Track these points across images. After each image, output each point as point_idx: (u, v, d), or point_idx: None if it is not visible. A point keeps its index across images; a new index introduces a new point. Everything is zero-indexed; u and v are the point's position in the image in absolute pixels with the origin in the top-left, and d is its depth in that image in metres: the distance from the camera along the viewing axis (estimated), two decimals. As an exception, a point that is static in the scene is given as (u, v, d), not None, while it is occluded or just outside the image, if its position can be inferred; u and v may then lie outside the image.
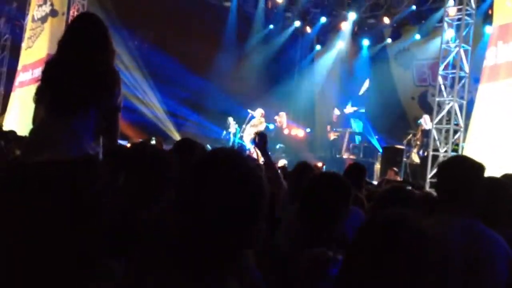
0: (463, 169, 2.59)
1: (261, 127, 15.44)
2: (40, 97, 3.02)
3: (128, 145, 7.76)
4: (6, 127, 12.41)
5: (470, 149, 9.16)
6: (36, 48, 14.73)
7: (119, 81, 3.07)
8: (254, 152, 13.57)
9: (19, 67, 15.30)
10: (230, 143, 16.10)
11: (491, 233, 2.44)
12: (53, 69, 3.05)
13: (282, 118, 16.36)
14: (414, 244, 1.30)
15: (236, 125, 16.22)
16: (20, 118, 13.35)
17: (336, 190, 2.55)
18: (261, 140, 4.06)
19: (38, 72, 13.94)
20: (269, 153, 4.38)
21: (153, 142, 10.63)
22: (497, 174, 3.20)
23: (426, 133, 12.51)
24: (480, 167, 2.61)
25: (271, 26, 18.85)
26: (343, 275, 1.41)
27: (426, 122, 12.81)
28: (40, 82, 3.06)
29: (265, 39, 18.95)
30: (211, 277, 1.23)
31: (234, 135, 16.20)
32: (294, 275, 2.25)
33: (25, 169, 2.80)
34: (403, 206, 2.46)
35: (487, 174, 2.67)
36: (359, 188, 4.49)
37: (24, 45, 15.45)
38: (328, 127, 17.72)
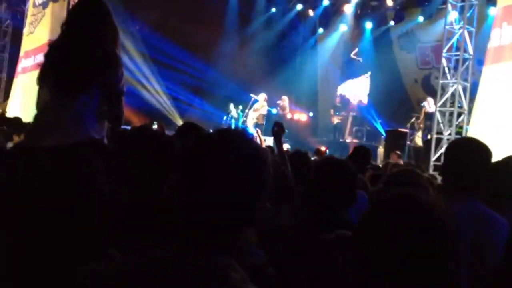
0: (469, 152, 2.58)
1: (263, 111, 15.40)
2: (43, 81, 3.02)
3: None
4: (9, 114, 12.42)
5: (475, 132, 9.13)
6: (38, 33, 14.68)
7: (120, 65, 3.07)
8: (257, 137, 13.56)
9: (21, 53, 15.27)
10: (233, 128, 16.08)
11: (495, 216, 2.43)
12: (55, 52, 3.05)
13: (284, 102, 16.31)
14: (424, 229, 1.25)
15: (239, 110, 16.18)
16: (23, 104, 13.34)
17: (341, 176, 2.55)
18: (279, 129, 4.05)
19: (40, 57, 13.89)
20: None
21: (155, 126, 10.60)
22: (502, 156, 3.18)
23: (429, 116, 12.46)
24: (486, 150, 2.59)
25: (273, 10, 18.74)
26: (351, 265, 1.37)
27: (429, 105, 12.77)
28: (43, 65, 3.06)
29: (267, 22, 18.85)
30: (216, 254, 1.23)
31: (237, 120, 16.17)
32: (305, 260, 2.25)
33: (28, 155, 2.80)
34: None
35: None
36: (362, 171, 4.49)
37: (25, 31, 15.40)
38: (331, 111, 17.67)
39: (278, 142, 4.06)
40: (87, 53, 2.96)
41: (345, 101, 18.52)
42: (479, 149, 2.60)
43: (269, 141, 14.22)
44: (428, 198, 1.33)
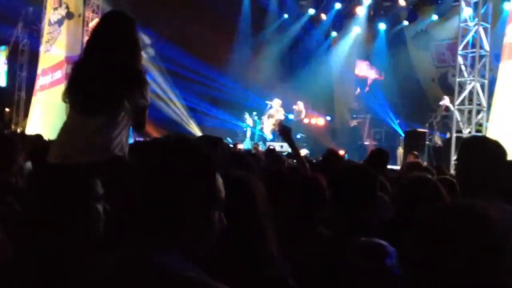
0: (483, 150, 2.53)
1: (279, 117, 15.40)
2: (69, 97, 3.06)
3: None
4: (28, 131, 12.59)
5: (494, 129, 9.03)
6: (54, 51, 14.89)
7: (147, 83, 3.11)
8: (274, 145, 13.57)
9: (39, 71, 15.48)
10: (249, 136, 16.13)
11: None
12: (80, 71, 3.09)
13: (300, 107, 16.30)
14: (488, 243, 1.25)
15: (256, 117, 16.22)
16: (42, 121, 13.51)
17: (363, 183, 2.60)
18: (283, 132, 4.03)
19: (58, 75, 14.10)
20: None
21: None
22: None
23: (446, 115, 12.39)
24: (499, 147, 2.54)
25: (286, 16, 18.76)
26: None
27: (446, 103, 12.68)
28: (70, 81, 3.10)
29: (280, 29, 18.88)
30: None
31: (254, 127, 16.20)
32: (341, 263, 2.24)
33: (52, 172, 2.85)
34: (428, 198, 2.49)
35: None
36: (382, 173, 4.46)
37: (42, 49, 15.62)
38: (348, 114, 17.60)
39: (289, 144, 3.98)
40: (111, 72, 2.98)
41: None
42: (492, 147, 2.55)
43: (286, 147, 14.23)
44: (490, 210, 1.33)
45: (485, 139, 2.72)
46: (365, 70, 18.57)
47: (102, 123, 2.95)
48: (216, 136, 4.15)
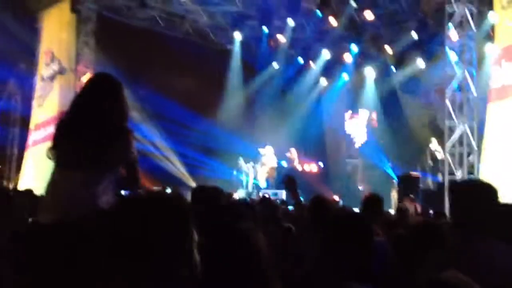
0: (475, 194, 2.53)
1: (271, 164, 15.42)
2: (52, 154, 3.08)
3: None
4: (21, 187, 12.49)
5: (487, 170, 9.09)
6: (47, 106, 14.99)
7: (130, 139, 3.13)
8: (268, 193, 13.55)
9: (31, 126, 15.53)
10: (244, 183, 16.09)
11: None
12: (65, 128, 3.11)
13: (293, 154, 16.38)
14: None
15: (250, 165, 16.22)
16: (35, 176, 13.46)
17: (357, 233, 2.60)
18: (289, 182, 4.07)
19: (50, 129, 14.14)
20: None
21: (168, 191, 10.63)
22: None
23: (434, 158, 12.51)
24: (493, 191, 2.54)
25: (275, 65, 19.06)
26: None
27: (433, 146, 12.86)
28: (53, 139, 3.12)
29: (270, 77, 19.14)
30: None
31: (247, 175, 16.19)
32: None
33: (39, 232, 2.83)
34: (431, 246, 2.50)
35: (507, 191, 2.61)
36: (375, 219, 4.43)
37: (34, 104, 15.71)
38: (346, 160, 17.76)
39: (291, 192, 4.02)
40: (96, 128, 3.02)
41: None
42: (486, 190, 2.54)
43: (280, 195, 14.19)
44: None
45: (471, 182, 2.73)
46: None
47: (87, 178, 2.96)
48: (216, 188, 4.14)
